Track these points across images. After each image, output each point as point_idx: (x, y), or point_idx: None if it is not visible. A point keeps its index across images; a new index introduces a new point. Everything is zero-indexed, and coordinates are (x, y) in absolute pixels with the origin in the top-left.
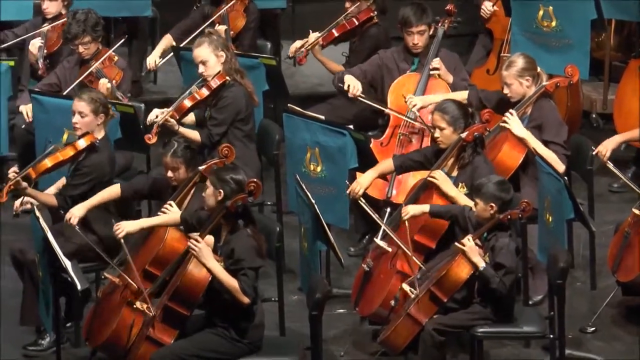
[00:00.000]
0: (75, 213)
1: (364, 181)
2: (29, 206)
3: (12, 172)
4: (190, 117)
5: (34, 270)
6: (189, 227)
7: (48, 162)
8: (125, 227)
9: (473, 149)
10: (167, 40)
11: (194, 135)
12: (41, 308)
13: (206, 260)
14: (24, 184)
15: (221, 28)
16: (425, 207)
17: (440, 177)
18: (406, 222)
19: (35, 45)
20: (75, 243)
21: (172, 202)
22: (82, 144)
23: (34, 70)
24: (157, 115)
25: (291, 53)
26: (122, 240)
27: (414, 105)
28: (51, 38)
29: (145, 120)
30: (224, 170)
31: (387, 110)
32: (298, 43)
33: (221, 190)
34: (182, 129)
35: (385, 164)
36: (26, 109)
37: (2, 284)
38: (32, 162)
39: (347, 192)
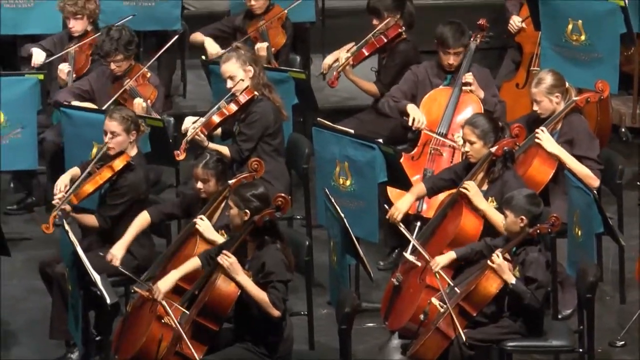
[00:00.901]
0: (117, 255)
1: (402, 206)
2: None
3: (58, 199)
4: (216, 130)
5: (64, 284)
6: (210, 264)
7: (89, 188)
8: (160, 289)
9: (503, 163)
10: (201, 36)
11: (224, 150)
12: (70, 322)
13: (236, 274)
14: (68, 209)
15: (263, 45)
16: (452, 255)
17: (472, 189)
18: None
19: (64, 71)
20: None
21: (203, 217)
22: (118, 164)
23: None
24: (192, 121)
25: (324, 69)
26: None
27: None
28: (79, 60)
29: (180, 130)
30: (243, 188)
31: (431, 134)
32: (330, 59)
33: (247, 211)
34: (211, 145)
35: (420, 187)
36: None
37: (32, 297)
38: (60, 175)
39: (387, 217)
